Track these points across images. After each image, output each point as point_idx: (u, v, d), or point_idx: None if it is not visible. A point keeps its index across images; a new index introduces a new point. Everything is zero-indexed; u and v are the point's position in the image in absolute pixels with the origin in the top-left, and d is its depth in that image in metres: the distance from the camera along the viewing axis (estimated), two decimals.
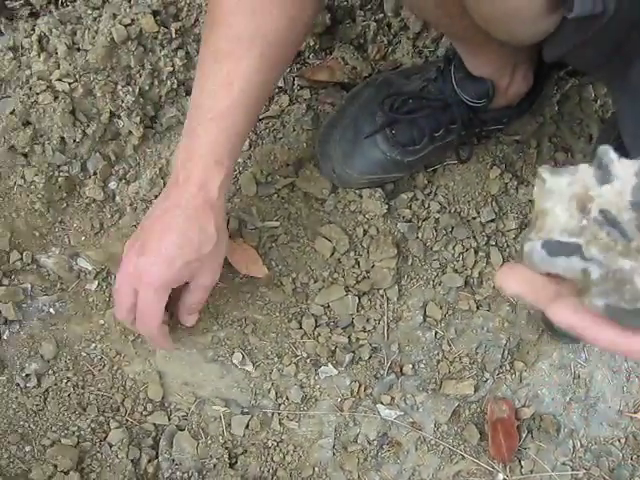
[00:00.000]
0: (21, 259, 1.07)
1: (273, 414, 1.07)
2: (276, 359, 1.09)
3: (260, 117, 1.15)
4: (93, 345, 1.06)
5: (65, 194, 1.08)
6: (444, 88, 1.08)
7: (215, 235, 0.91)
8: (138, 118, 1.09)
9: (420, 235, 1.16)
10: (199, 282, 0.94)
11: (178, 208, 0.90)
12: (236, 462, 1.04)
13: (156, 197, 1.10)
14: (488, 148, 1.22)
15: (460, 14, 0.84)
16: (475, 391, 1.13)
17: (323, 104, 1.18)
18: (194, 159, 0.90)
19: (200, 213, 0.90)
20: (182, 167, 0.91)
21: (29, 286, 1.07)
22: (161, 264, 0.89)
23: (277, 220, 1.13)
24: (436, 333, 1.15)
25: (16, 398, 1.01)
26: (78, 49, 1.06)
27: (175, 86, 1.11)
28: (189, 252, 0.89)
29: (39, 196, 1.06)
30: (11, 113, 1.04)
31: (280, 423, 1.07)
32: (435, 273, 1.16)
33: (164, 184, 1.10)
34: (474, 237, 1.18)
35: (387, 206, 1.14)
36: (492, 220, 1.19)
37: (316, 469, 1.07)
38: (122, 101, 1.08)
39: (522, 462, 1.13)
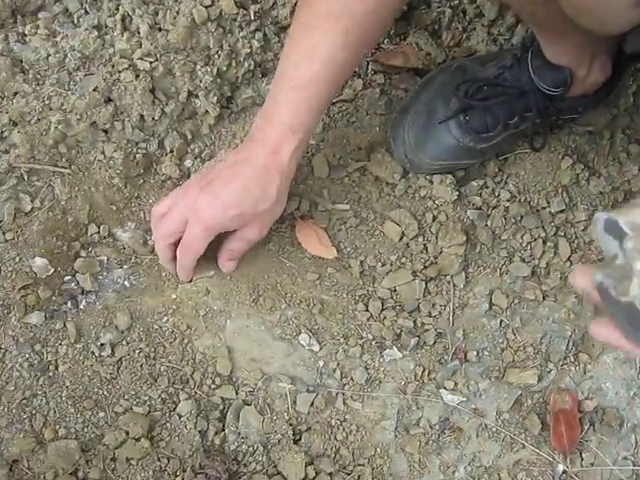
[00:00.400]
0: (98, 232, 1.10)
1: (337, 394, 1.08)
2: (342, 340, 1.10)
3: (334, 101, 1.16)
4: (165, 318, 1.08)
5: (142, 170, 1.11)
6: (520, 75, 1.08)
7: (275, 197, 0.96)
8: (215, 98, 1.11)
9: (489, 223, 1.16)
10: (245, 234, 0.99)
11: (249, 163, 0.95)
12: (300, 438, 1.06)
13: None
14: (560, 138, 1.21)
15: (544, 0, 0.84)
16: (538, 381, 1.13)
17: (396, 89, 1.19)
18: (273, 123, 0.94)
19: (268, 173, 0.95)
20: (260, 130, 0.96)
21: (105, 259, 1.10)
22: (217, 207, 0.94)
23: (347, 203, 1.14)
24: (501, 321, 1.15)
25: (91, 366, 1.04)
26: (160, 29, 1.09)
27: (252, 67, 1.13)
28: (246, 205, 0.95)
29: (117, 171, 1.09)
30: (94, 90, 1.06)
31: (344, 403, 1.08)
32: (502, 262, 1.16)
33: None
34: (543, 227, 1.18)
35: (457, 193, 1.14)
36: (562, 211, 1.19)
37: (378, 449, 1.08)
38: (200, 81, 1.10)
39: (583, 454, 1.13)
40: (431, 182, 1.15)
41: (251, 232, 0.99)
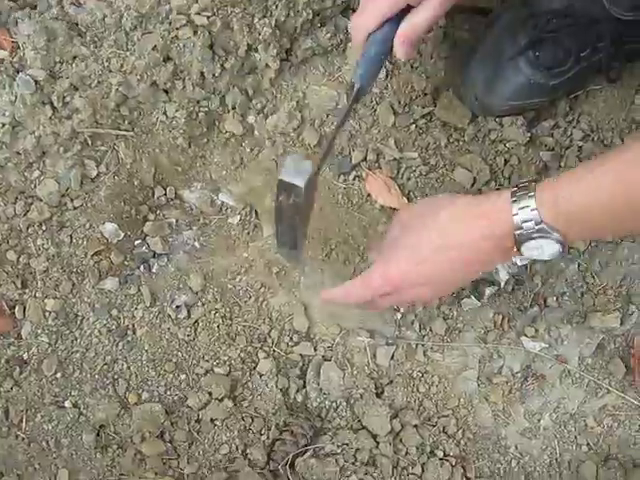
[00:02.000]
0: (165, 194, 1.09)
1: (417, 345, 1.07)
2: None
3: None
4: (238, 277, 1.07)
5: (205, 129, 1.09)
6: (591, 4, 1.03)
7: None
8: (275, 50, 1.08)
9: (563, 164, 1.12)
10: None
11: None
12: (382, 392, 1.05)
13: (294, 130, 1.10)
14: (633, 72, 1.16)
15: None
16: (621, 324, 1.10)
17: (460, 30, 1.14)
18: None
19: None
20: None
21: (174, 221, 1.09)
22: None
23: (415, 151, 1.11)
24: (579, 265, 1.12)
25: (168, 329, 1.04)
26: None
27: (310, 17, 1.09)
28: None
29: (181, 131, 1.07)
30: (152, 49, 1.04)
31: (424, 354, 1.07)
32: None
33: (301, 117, 1.10)
34: None
35: (529, 134, 1.10)
36: None
37: (461, 400, 1.07)
38: (259, 34, 1.07)
39: None
40: (501, 125, 1.11)
41: None
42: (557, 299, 1.11)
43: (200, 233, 1.09)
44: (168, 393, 1.01)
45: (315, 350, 1.06)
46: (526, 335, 1.09)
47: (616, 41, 1.04)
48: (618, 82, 1.11)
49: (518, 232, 0.78)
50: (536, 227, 0.76)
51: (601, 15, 1.02)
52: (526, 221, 0.77)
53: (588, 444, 1.08)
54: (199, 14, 1.04)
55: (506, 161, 1.11)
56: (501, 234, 0.79)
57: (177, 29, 1.04)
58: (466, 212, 0.82)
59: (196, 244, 1.09)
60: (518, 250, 0.79)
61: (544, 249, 0.78)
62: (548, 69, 1.06)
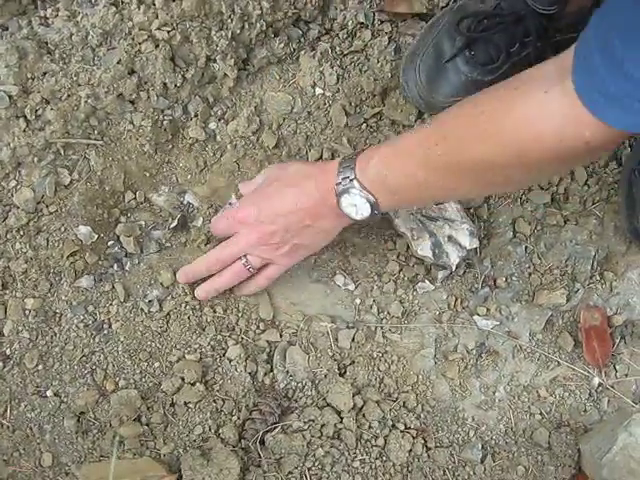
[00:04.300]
0: (135, 198, 1.16)
1: (376, 328, 1.14)
2: (376, 277, 1.15)
3: (345, 52, 1.21)
4: None
5: (170, 136, 1.16)
6: (516, 2, 1.12)
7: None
8: (232, 61, 1.16)
9: None
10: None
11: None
12: (345, 372, 1.11)
13: (253, 134, 1.17)
14: None
15: None
16: (567, 301, 1.17)
17: (404, 35, 1.23)
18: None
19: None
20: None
21: (144, 222, 1.16)
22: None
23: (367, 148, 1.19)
24: (526, 248, 1.19)
25: (142, 322, 1.10)
26: None
27: (264, 28, 1.18)
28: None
29: (147, 139, 1.14)
30: (117, 63, 1.12)
31: (383, 336, 1.14)
32: (522, 191, 1.21)
33: (260, 122, 1.18)
34: None
35: None
36: None
37: (420, 377, 1.13)
38: (216, 45, 1.15)
39: (617, 367, 1.18)
40: None
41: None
42: (506, 280, 1.18)
43: (169, 232, 1.16)
44: (143, 380, 1.07)
45: (281, 336, 1.12)
46: (478, 314, 1.16)
47: (542, 35, 1.13)
48: None
49: (337, 187, 0.96)
50: (350, 184, 0.95)
51: (526, 11, 1.12)
52: (345, 178, 0.96)
53: (541, 413, 1.14)
54: (159, 29, 1.12)
55: None
56: (327, 187, 0.98)
57: (139, 44, 1.12)
58: (308, 170, 1.04)
59: (165, 243, 1.15)
60: (338, 205, 0.97)
61: (358, 207, 0.96)
62: (483, 66, 1.15)
